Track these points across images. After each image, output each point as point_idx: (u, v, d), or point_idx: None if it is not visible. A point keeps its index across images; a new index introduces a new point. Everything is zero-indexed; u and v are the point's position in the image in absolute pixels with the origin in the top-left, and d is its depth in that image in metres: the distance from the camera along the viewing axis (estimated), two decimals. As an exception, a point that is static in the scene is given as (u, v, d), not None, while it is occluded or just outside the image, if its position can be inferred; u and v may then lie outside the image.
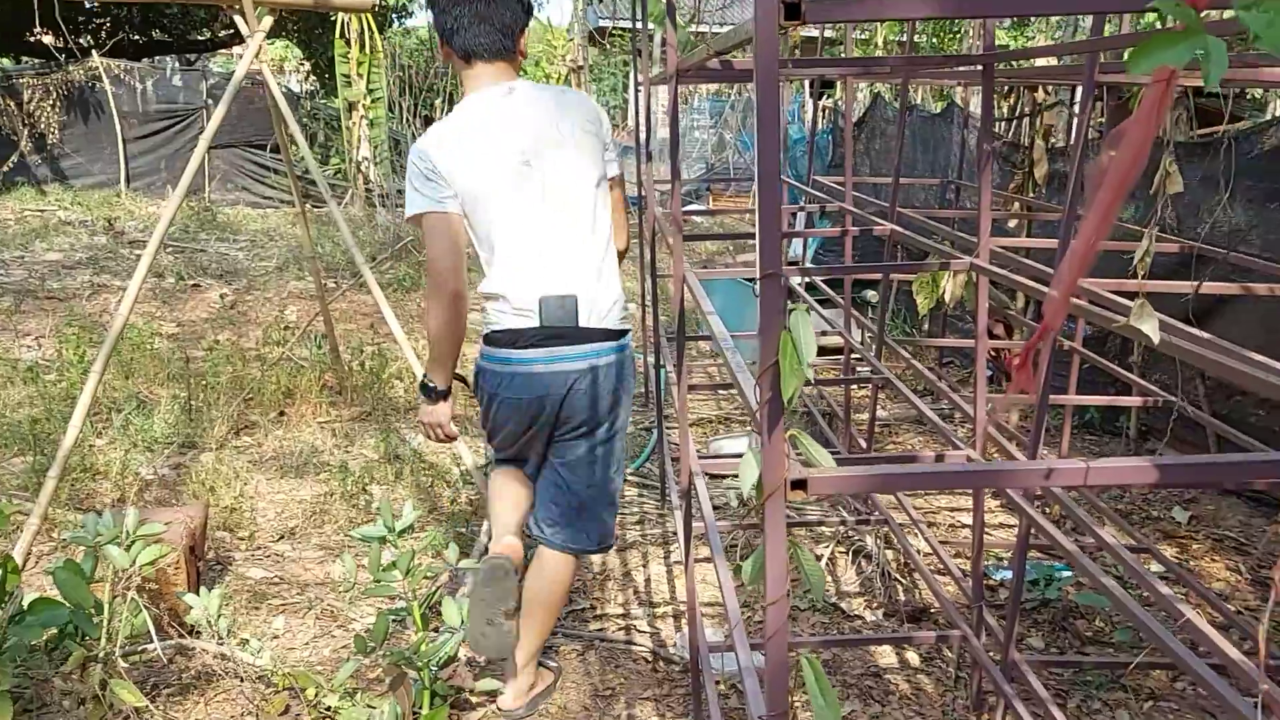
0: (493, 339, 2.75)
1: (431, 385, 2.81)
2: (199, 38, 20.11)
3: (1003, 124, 6.00)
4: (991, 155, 2.92)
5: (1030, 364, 1.22)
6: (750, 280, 6.90)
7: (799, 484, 1.27)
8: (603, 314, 2.75)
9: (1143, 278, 2.34)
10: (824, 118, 13.99)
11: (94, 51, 14.38)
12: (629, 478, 4.81)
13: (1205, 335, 1.90)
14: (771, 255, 1.23)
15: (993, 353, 5.53)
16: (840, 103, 9.97)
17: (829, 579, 3.78)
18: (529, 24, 2.76)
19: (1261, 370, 1.63)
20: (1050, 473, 1.24)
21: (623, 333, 2.82)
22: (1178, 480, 1.31)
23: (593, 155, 2.73)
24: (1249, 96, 9.44)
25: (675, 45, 2.70)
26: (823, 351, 6.37)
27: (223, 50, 22.35)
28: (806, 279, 5.50)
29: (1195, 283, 2.47)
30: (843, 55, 5.98)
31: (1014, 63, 3.87)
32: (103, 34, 17.85)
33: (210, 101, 14.09)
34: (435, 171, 2.63)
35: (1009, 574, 3.63)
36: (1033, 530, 2.73)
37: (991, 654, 2.90)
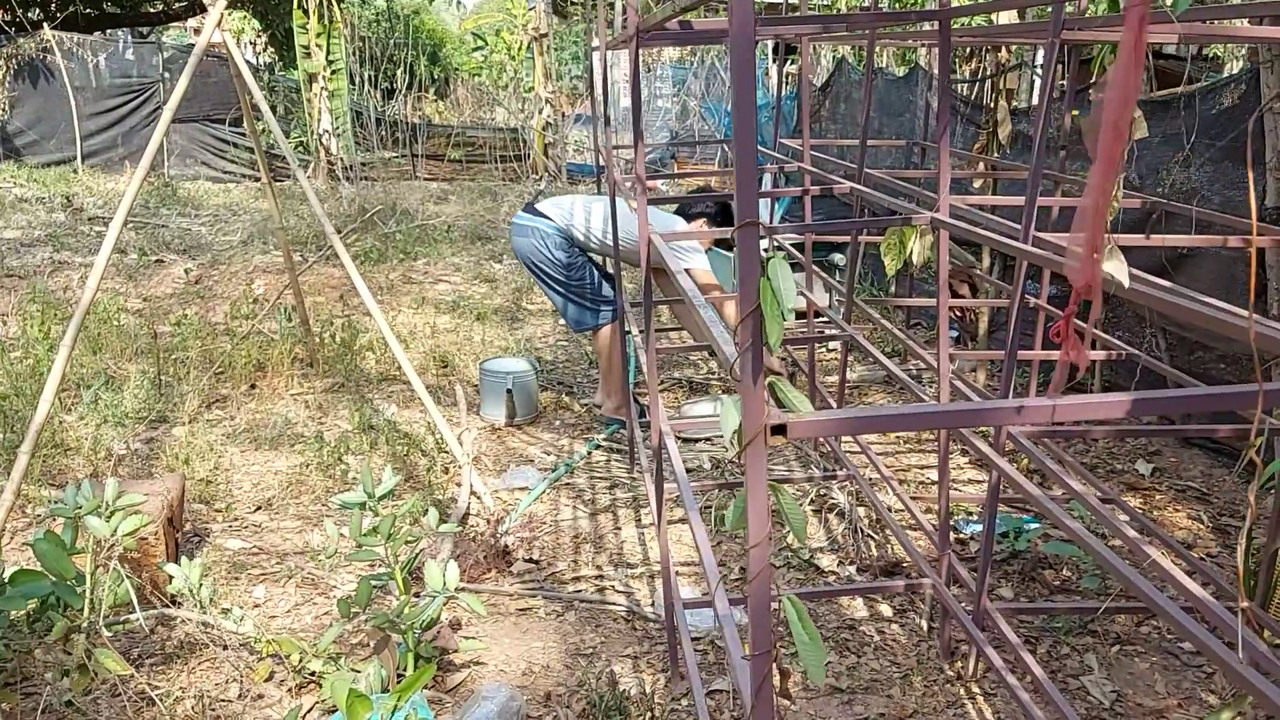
0: None
1: None
2: (151, 10, 19.78)
3: (965, 85, 6.05)
4: (949, 108, 2.96)
5: (1074, 334, 1.22)
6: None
7: (779, 429, 1.29)
8: (550, 211, 4.83)
9: (1109, 230, 2.38)
10: (788, 83, 13.99)
11: (44, 24, 14.10)
12: (600, 444, 4.85)
13: (1167, 284, 1.95)
14: (749, 205, 1.24)
15: (959, 312, 5.59)
16: (804, 68, 9.96)
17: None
18: None
19: (1221, 313, 1.69)
20: (1021, 409, 1.27)
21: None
22: (1141, 411, 1.34)
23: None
24: (1207, 56, 9.53)
25: (635, 6, 2.72)
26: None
27: (175, 23, 21.99)
28: (775, 242, 5.53)
29: (1159, 235, 2.52)
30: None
31: (977, 22, 3.90)
32: (52, 6, 17.52)
33: (167, 75, 13.87)
34: None
35: (979, 527, 3.71)
36: (1002, 483, 2.80)
37: (963, 604, 2.97)
